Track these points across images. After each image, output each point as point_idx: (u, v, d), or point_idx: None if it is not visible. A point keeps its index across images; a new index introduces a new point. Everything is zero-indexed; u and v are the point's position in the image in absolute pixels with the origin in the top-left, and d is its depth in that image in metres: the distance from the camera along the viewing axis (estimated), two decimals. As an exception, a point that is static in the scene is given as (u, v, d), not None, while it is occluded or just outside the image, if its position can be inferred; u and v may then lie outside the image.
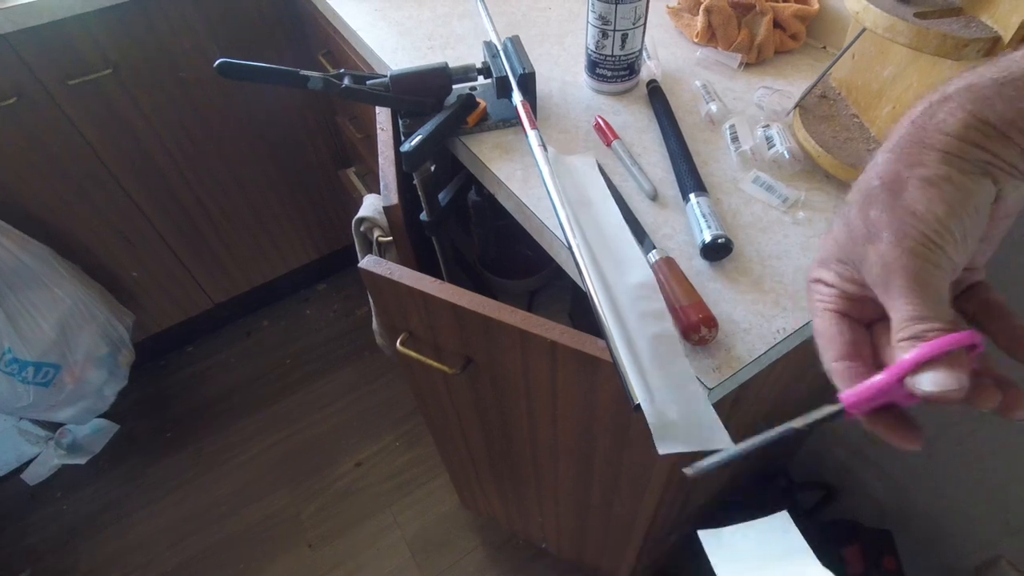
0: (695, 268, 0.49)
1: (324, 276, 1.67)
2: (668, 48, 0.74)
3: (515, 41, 0.65)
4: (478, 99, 0.64)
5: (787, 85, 0.66)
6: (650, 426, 0.35)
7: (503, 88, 0.62)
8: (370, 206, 0.78)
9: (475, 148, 0.62)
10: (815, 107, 0.58)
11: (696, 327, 0.42)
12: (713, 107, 0.62)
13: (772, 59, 0.70)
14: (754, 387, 0.51)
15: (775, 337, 0.44)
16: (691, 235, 0.51)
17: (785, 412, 0.62)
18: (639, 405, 0.36)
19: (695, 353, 0.43)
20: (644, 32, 0.64)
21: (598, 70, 0.67)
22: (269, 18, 1.15)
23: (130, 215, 1.22)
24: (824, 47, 0.72)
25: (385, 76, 0.63)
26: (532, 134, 0.54)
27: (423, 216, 0.65)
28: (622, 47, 0.63)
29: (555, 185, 0.50)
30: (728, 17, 0.69)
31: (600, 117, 0.63)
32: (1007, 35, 0.38)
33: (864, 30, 0.49)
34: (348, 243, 1.57)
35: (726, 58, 0.70)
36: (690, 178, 0.54)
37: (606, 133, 0.62)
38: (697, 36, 0.72)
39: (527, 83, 0.61)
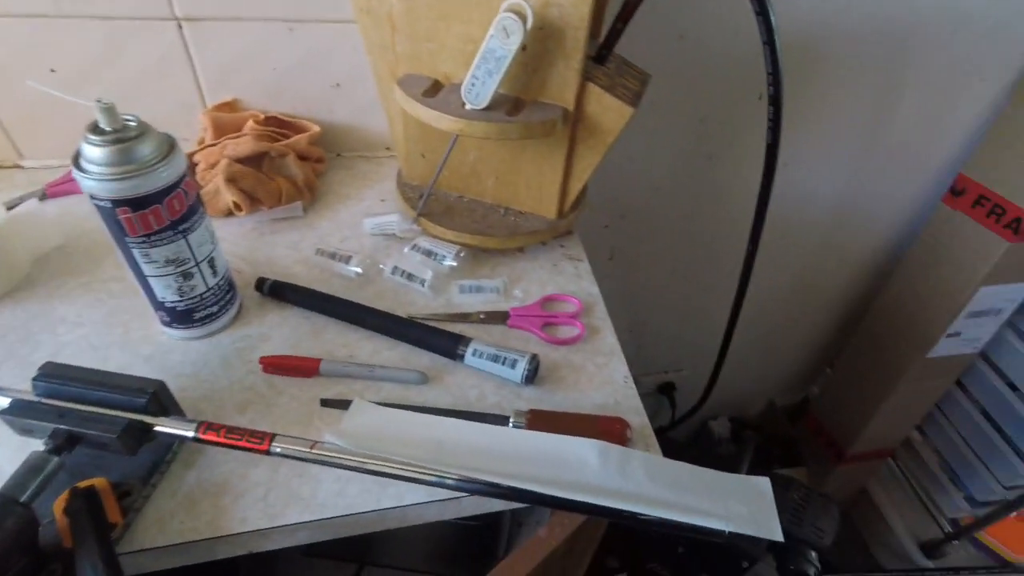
0: (535, 398, 0.50)
1: None
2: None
3: (63, 371, 0.41)
4: (95, 484, 0.39)
5: (367, 203, 0.68)
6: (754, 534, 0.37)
7: (130, 440, 0.39)
8: None
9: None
10: (429, 208, 0.63)
11: (619, 437, 0.45)
12: (355, 266, 0.58)
13: (318, 189, 0.69)
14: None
15: (626, 380, 0.51)
16: (498, 380, 0.51)
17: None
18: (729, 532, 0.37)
19: (634, 447, 0.46)
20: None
21: (198, 314, 0.51)
22: None
23: None
24: (338, 154, 0.75)
25: None
26: (295, 449, 0.39)
27: None
28: (214, 273, 0.50)
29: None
30: (255, 176, 0.63)
31: (264, 360, 0.50)
32: (571, 106, 0.52)
33: (457, 137, 0.55)
34: None
35: (286, 212, 0.64)
36: (437, 339, 0.52)
37: (298, 368, 0.50)
38: (239, 209, 0.62)
39: (163, 402, 0.41)
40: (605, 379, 0.52)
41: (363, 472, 0.39)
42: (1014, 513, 1.09)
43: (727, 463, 1.31)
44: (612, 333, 0.56)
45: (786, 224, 1.01)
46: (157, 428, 0.39)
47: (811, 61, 0.80)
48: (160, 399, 0.41)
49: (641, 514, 0.38)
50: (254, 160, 0.64)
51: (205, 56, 0.64)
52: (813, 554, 0.87)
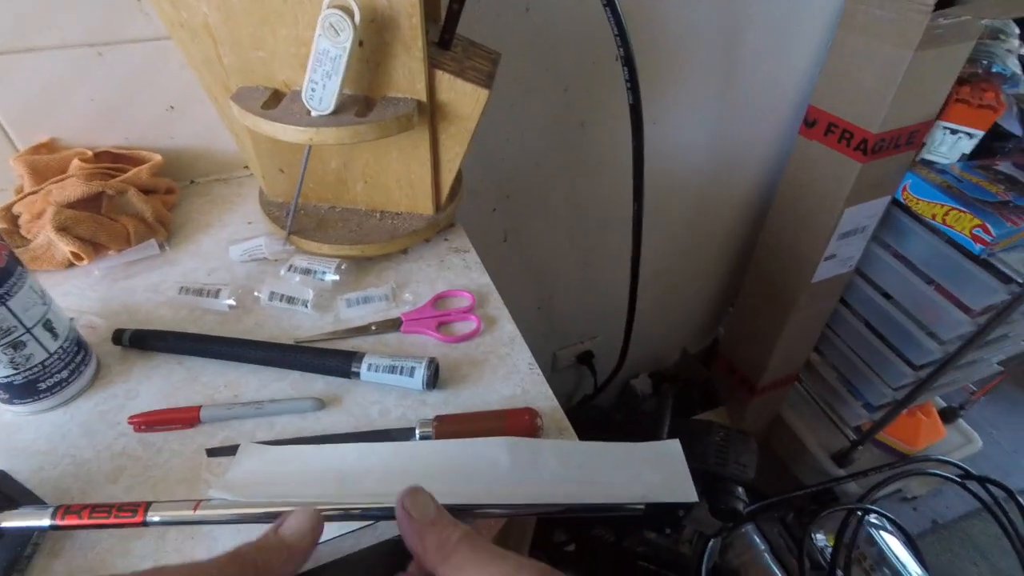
0: (440, 402, 0.49)
1: None
2: (56, 290, 0.55)
3: None
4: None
5: (231, 229, 0.63)
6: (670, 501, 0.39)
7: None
8: None
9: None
10: (299, 225, 0.60)
11: (529, 427, 0.45)
12: (227, 299, 0.54)
13: (173, 222, 0.64)
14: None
15: (531, 367, 0.51)
16: (400, 391, 0.49)
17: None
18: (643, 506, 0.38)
19: (547, 434, 0.46)
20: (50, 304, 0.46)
21: (44, 384, 0.45)
22: None
23: None
24: (191, 181, 0.70)
25: None
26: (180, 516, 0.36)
27: None
28: (54, 336, 0.45)
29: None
30: (93, 220, 0.57)
31: (134, 419, 0.46)
32: (423, 97, 0.51)
33: (311, 147, 0.52)
34: None
35: (139, 253, 0.59)
36: (328, 360, 0.50)
37: (175, 420, 0.46)
38: (80, 258, 0.56)
39: (6, 492, 0.37)
40: (510, 369, 0.51)
41: (258, 522, 0.36)
42: (904, 411, 1.23)
43: (652, 418, 1.38)
44: (510, 321, 0.56)
45: (667, 178, 1.06)
46: (2, 525, 0.35)
47: (657, 18, 0.83)
48: (1, 490, 0.36)
49: (558, 504, 0.38)
50: (90, 202, 0.58)
51: (2, 95, 0.57)
52: (740, 489, 0.93)
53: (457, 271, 0.61)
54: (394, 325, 0.55)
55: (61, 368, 0.46)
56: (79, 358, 0.48)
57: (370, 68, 0.49)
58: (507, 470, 0.41)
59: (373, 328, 0.54)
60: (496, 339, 0.54)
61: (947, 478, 1.33)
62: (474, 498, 0.38)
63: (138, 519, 0.35)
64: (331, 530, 0.40)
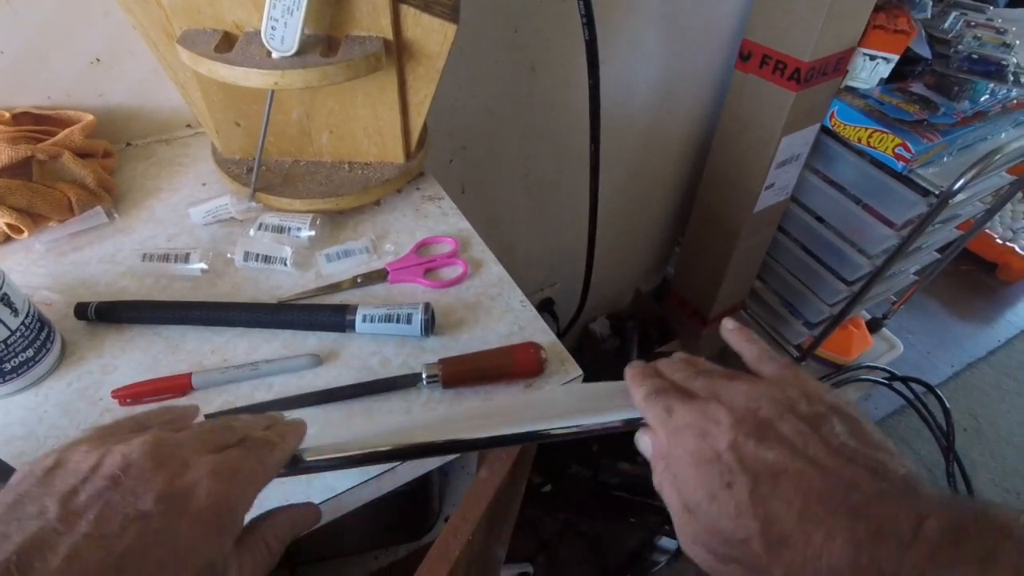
0: (439, 347, 0.49)
1: None
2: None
3: None
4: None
5: (185, 192, 0.59)
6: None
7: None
8: None
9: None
10: (263, 182, 0.57)
11: (535, 361, 0.46)
12: (198, 263, 0.51)
13: (117, 188, 0.59)
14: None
15: (524, 305, 0.52)
16: (397, 339, 0.49)
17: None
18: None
19: (554, 373, 0.48)
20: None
21: (9, 365, 0.42)
22: None
23: None
24: (128, 144, 0.64)
25: None
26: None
27: None
28: (14, 312, 0.41)
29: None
30: (27, 188, 0.52)
31: (119, 392, 0.43)
32: (388, 34, 0.49)
33: (273, 93, 0.49)
34: None
35: (85, 222, 0.54)
36: (319, 315, 0.48)
37: (164, 389, 0.44)
38: (18, 231, 0.51)
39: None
40: (503, 309, 0.52)
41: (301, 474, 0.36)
42: (839, 325, 1.33)
43: (613, 356, 1.43)
44: (496, 262, 0.56)
45: (613, 120, 1.07)
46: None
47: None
48: None
49: (573, 426, 0.38)
50: (19, 169, 0.53)
51: None
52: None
53: (435, 218, 0.60)
54: (380, 276, 0.54)
55: (25, 347, 0.42)
56: (43, 335, 0.44)
57: (330, 4, 0.47)
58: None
59: (359, 280, 0.53)
60: (485, 281, 0.55)
61: (877, 382, 1.47)
62: (492, 431, 0.38)
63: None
64: (352, 477, 0.40)
